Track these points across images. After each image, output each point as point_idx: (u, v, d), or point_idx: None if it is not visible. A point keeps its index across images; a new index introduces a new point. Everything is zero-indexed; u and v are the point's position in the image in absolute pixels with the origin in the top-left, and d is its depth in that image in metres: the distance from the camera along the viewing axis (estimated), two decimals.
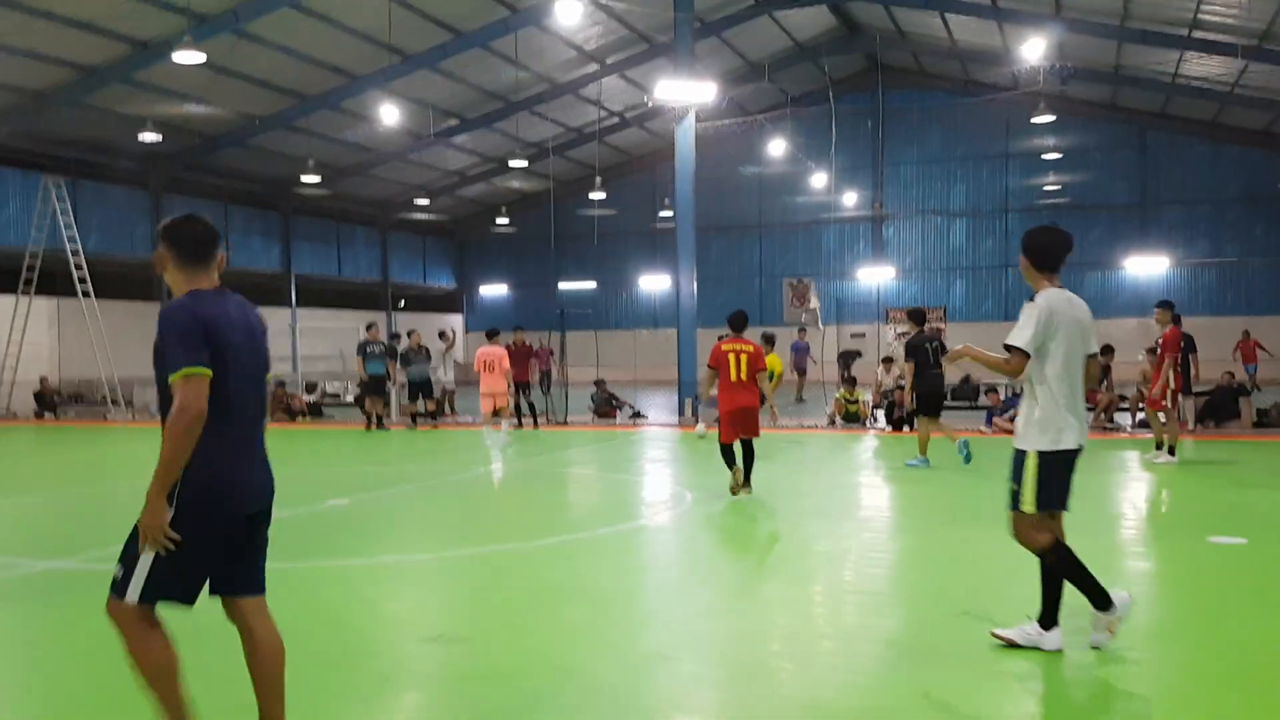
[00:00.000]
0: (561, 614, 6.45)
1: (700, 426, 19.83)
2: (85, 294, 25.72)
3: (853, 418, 20.31)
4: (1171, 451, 13.37)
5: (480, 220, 46.41)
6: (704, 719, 4.74)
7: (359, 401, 22.61)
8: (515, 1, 27.25)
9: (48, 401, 25.86)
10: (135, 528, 3.78)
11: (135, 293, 31.40)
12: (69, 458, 17.59)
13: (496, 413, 17.79)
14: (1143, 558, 8.24)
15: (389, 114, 28.91)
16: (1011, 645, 5.37)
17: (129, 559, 3.80)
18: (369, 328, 21.99)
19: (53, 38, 23.55)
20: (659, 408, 24.11)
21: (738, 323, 11.17)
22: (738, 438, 10.91)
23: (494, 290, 48.00)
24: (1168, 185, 37.42)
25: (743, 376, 10.83)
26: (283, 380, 25.55)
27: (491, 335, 18.58)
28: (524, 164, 34.86)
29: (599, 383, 23.16)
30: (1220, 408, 17.81)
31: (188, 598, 3.86)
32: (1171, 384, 13.48)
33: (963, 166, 39.84)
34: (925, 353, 13.68)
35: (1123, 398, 19.83)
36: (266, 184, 35.88)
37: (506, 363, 17.85)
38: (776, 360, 18.47)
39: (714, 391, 11.04)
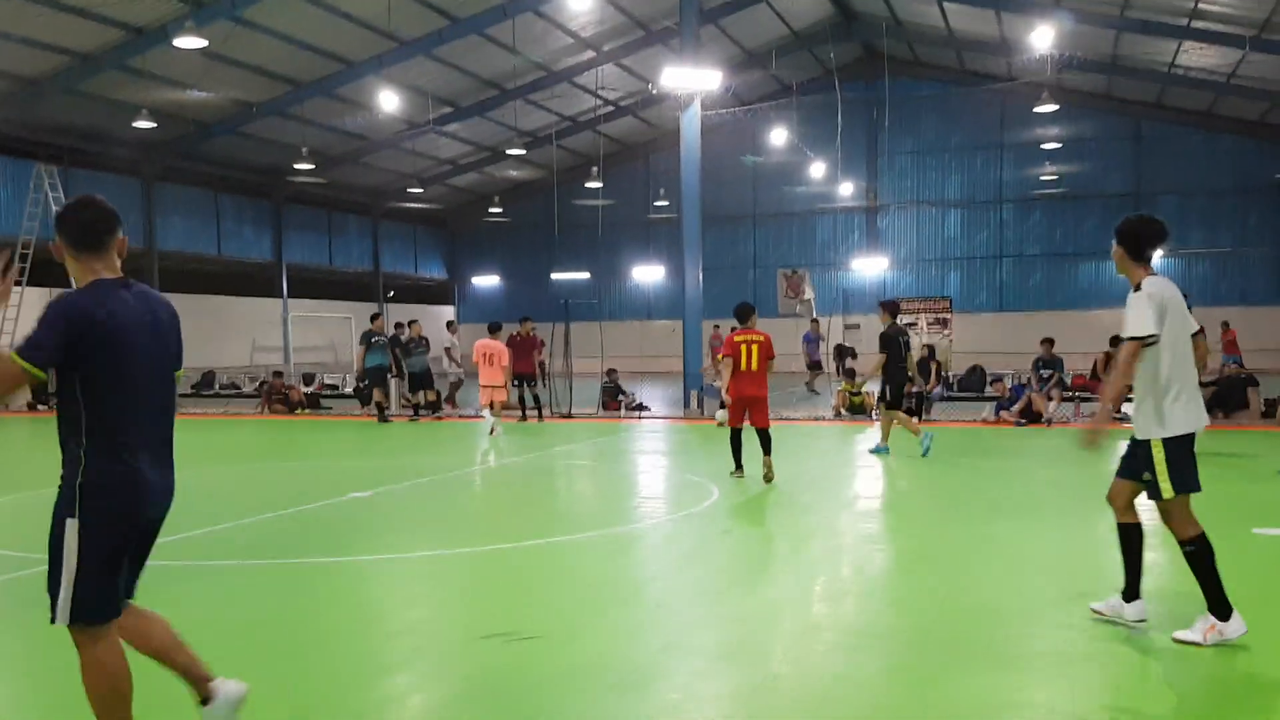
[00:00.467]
0: (619, 611, 6.32)
1: (721, 414, 19.79)
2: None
3: (857, 409, 20.23)
4: None
5: (472, 210, 46.11)
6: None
7: (360, 394, 22.39)
8: None
9: (41, 393, 25.49)
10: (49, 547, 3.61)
11: None
12: (49, 449, 17.32)
13: (493, 405, 17.81)
14: None
15: (383, 101, 28.67)
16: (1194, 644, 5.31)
17: (51, 582, 3.60)
18: (374, 318, 21.77)
19: (47, 24, 23.21)
20: (657, 399, 23.93)
21: (744, 313, 11.71)
22: (742, 422, 11.61)
23: (486, 281, 47.75)
24: (1162, 175, 37.47)
25: (754, 366, 11.45)
26: (279, 370, 25.29)
27: (494, 329, 18.55)
28: (522, 151, 34.64)
29: (610, 372, 22.96)
30: (1229, 398, 17.79)
31: (113, 607, 3.68)
32: None
33: (957, 157, 39.80)
34: (897, 345, 14.01)
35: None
36: (259, 172, 35.53)
37: (505, 358, 17.87)
38: None
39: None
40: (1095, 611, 5.78)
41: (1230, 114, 35.31)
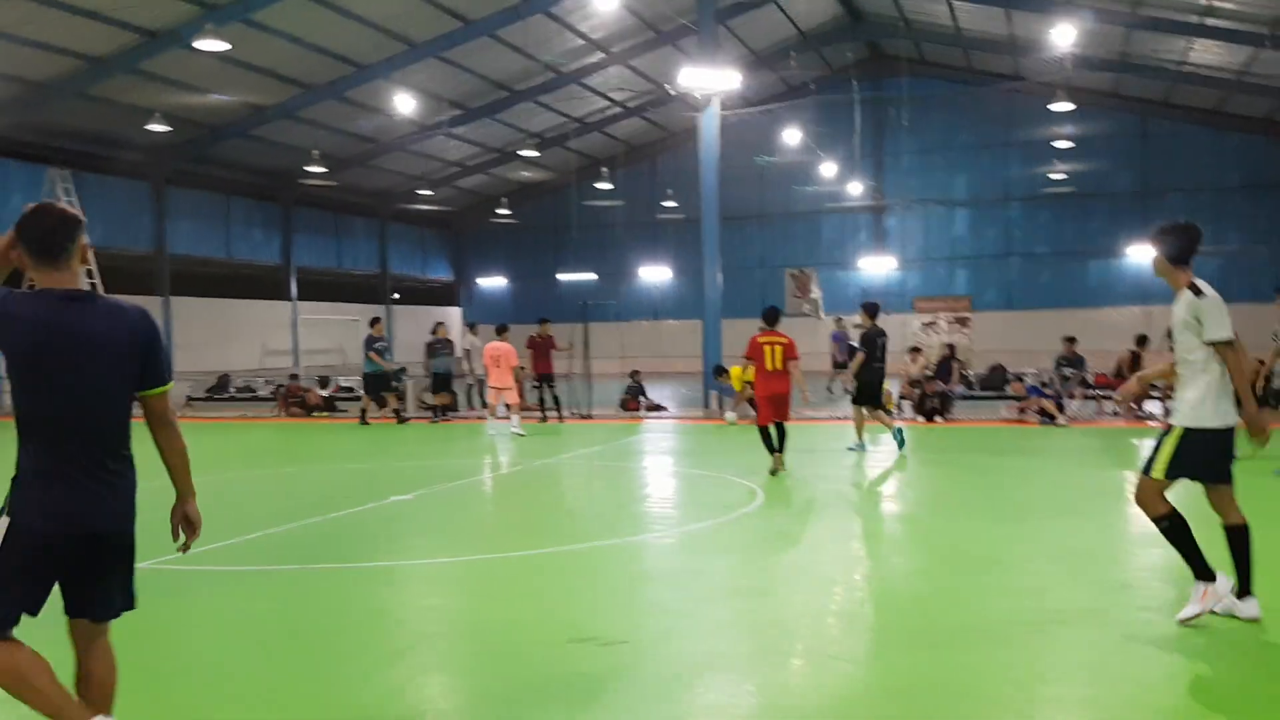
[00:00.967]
0: (705, 611, 6.27)
1: (730, 415, 19.84)
2: (94, 288, 25.23)
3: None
4: None
5: (479, 211, 46.04)
6: None
7: (376, 396, 22.39)
8: None
9: None
10: None
11: (136, 287, 30.94)
12: None
13: (509, 406, 17.99)
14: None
15: (393, 103, 28.58)
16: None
17: None
18: (374, 322, 21.76)
19: (59, 27, 23.10)
20: (667, 399, 23.76)
21: (771, 317, 12.41)
22: (773, 420, 12.09)
23: (492, 282, 47.70)
24: (1170, 173, 37.46)
25: (778, 365, 12.09)
26: (295, 374, 25.23)
27: (501, 331, 18.77)
28: (535, 153, 34.51)
29: (634, 373, 22.97)
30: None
31: (6, 617, 3.55)
32: None
33: (964, 155, 39.77)
34: (875, 345, 14.30)
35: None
36: (268, 176, 35.43)
37: (514, 359, 18.00)
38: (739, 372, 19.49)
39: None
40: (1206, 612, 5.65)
41: (1238, 111, 35.31)
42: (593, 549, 8.34)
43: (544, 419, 20.22)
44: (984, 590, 6.73)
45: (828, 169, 38.01)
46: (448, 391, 21.70)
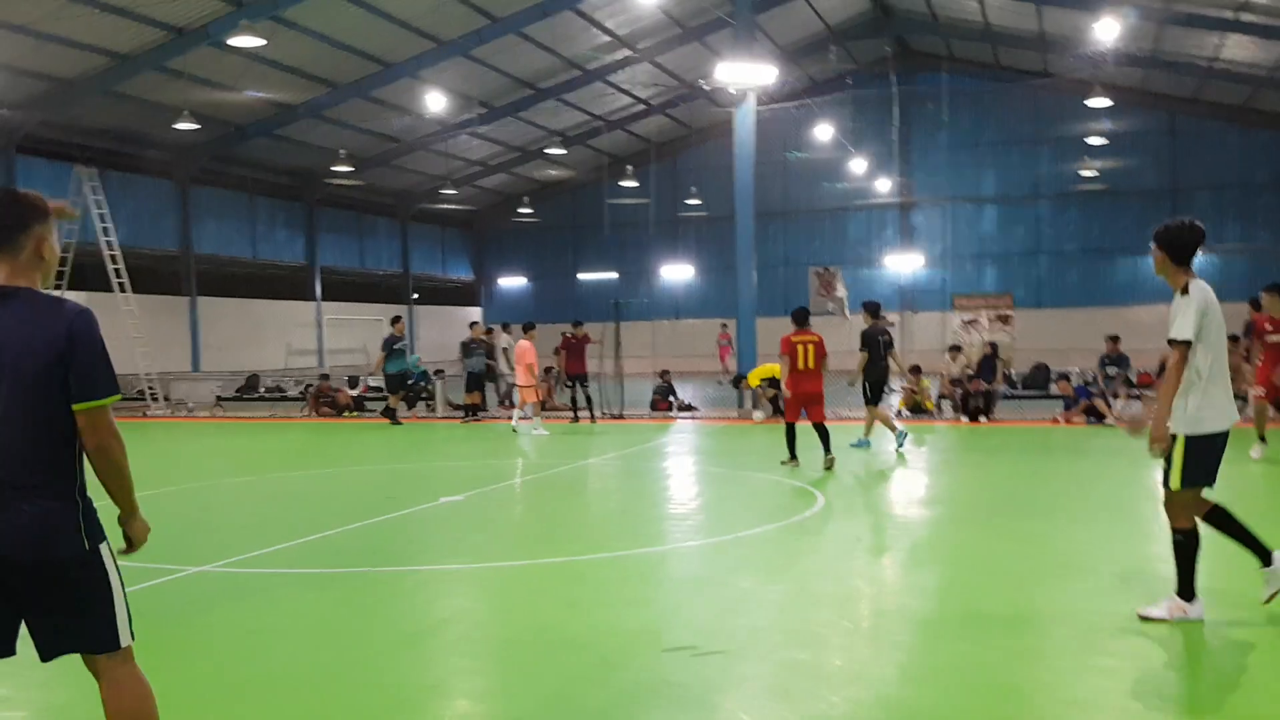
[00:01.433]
0: (801, 618, 6.05)
1: (758, 414, 19.70)
2: (121, 287, 25.18)
3: (917, 408, 19.94)
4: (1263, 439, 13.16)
5: (499, 211, 45.89)
6: None
7: (406, 397, 22.29)
8: None
9: None
10: None
11: (162, 286, 30.87)
12: (131, 454, 17.08)
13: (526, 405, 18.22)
14: None
15: (419, 102, 28.42)
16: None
17: None
18: (395, 321, 21.65)
19: (87, 24, 22.99)
20: (696, 399, 23.46)
21: (801, 317, 12.75)
22: (799, 418, 12.53)
23: (512, 282, 47.54)
24: (1198, 170, 37.11)
25: (810, 364, 12.41)
26: (326, 374, 25.08)
27: (527, 329, 18.77)
28: (562, 151, 34.29)
29: (663, 373, 22.78)
30: None
31: None
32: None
33: (992, 152, 39.46)
34: (878, 344, 14.33)
35: None
36: (293, 175, 35.34)
37: (529, 356, 18.00)
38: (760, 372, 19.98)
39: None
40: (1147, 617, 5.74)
41: (1267, 108, 34.92)
42: (658, 553, 8.13)
43: (575, 419, 20.02)
44: (1087, 594, 6.49)
45: (855, 165, 37.75)
46: (479, 391, 21.56)
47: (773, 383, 19.68)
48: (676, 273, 43.49)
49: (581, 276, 44.70)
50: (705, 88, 27.44)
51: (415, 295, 43.81)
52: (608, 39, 31.23)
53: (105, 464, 3.26)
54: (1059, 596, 6.41)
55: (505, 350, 22.78)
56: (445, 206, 42.56)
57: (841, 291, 38.05)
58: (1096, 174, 38.05)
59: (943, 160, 39.98)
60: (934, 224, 40.49)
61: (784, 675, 5.08)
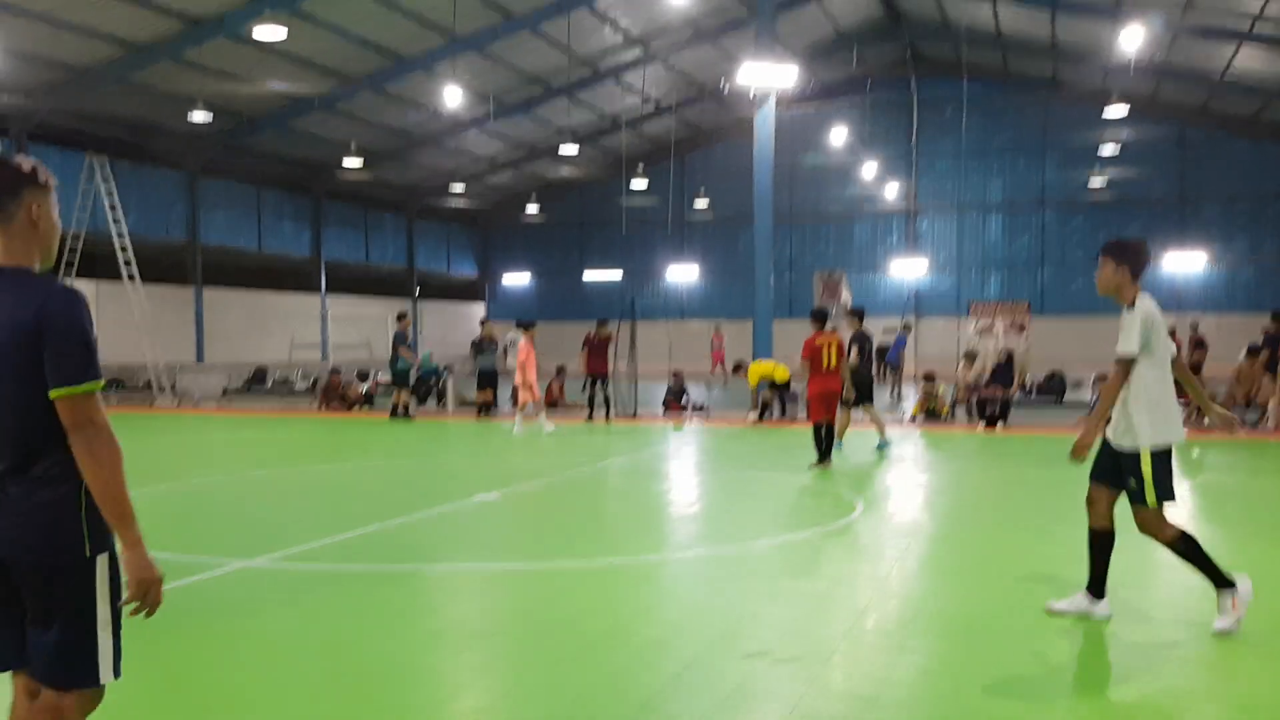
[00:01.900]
0: (860, 628, 5.97)
1: (750, 415, 19.71)
2: (130, 277, 25.03)
3: (933, 414, 19.88)
4: None
5: (506, 208, 45.82)
6: None
7: (415, 391, 22.20)
8: None
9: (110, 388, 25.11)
10: None
11: (170, 276, 30.74)
12: (146, 446, 16.98)
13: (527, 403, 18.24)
14: None
15: (430, 97, 28.30)
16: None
17: None
18: (400, 318, 21.51)
19: (103, 12, 22.89)
20: (705, 400, 23.38)
21: (822, 318, 12.97)
22: (825, 418, 12.64)
23: (516, 279, 47.44)
24: (1206, 181, 37.20)
25: (833, 364, 12.65)
26: (338, 368, 24.96)
27: (523, 327, 18.68)
28: (574, 150, 34.14)
29: (676, 374, 22.70)
30: None
31: None
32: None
33: (999, 160, 39.50)
34: (868, 346, 14.97)
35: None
36: (301, 168, 35.21)
37: (521, 354, 18.05)
38: (758, 368, 19.84)
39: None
40: (1055, 610, 6.02)
41: (1277, 120, 35.00)
42: (712, 556, 8.04)
43: (590, 418, 19.94)
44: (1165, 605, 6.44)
45: (862, 170, 37.74)
46: (491, 389, 21.48)
47: (771, 384, 19.62)
48: (681, 274, 43.44)
49: (588, 276, 44.64)
50: (723, 89, 27.35)
51: (417, 290, 43.72)
52: (620, 38, 31.17)
53: (88, 463, 2.83)
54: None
55: (506, 349, 22.79)
56: (452, 204, 42.49)
57: (846, 296, 38.02)
58: (1102, 184, 38.10)
59: (949, 167, 40.01)
60: (940, 230, 40.50)
61: (865, 682, 5.01)
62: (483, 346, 20.99)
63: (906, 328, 28.32)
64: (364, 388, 23.66)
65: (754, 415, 19.86)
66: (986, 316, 26.42)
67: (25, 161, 2.99)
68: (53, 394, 2.81)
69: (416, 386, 22.90)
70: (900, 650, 5.53)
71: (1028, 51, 34.74)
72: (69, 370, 2.82)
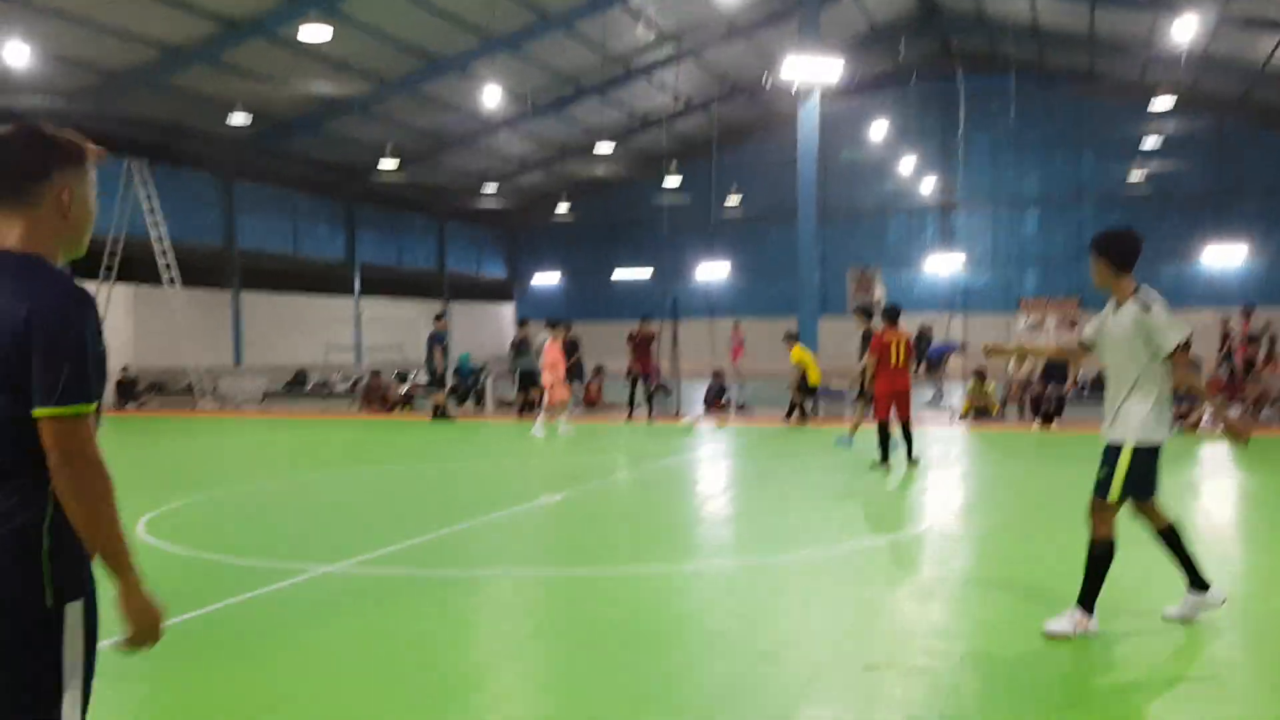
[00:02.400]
0: (983, 636, 5.77)
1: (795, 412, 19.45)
2: (171, 280, 25.02)
3: (983, 412, 19.60)
4: None
5: (535, 208, 45.73)
6: None
7: (455, 391, 22.09)
8: None
9: (130, 391, 25.16)
10: None
11: (207, 280, 30.77)
12: (201, 449, 16.92)
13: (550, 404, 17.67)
14: None
15: (463, 98, 28.21)
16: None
17: None
18: (438, 318, 21.38)
19: (140, 14, 22.88)
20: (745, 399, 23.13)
21: (895, 315, 12.83)
22: (888, 415, 12.48)
23: (546, 279, 47.35)
24: (1246, 174, 36.71)
25: (900, 362, 12.50)
26: (378, 370, 24.90)
27: (551, 325, 18.29)
28: (609, 149, 34.01)
29: (717, 374, 22.52)
30: None
31: None
32: None
33: (1035, 154, 39.10)
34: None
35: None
36: (335, 171, 35.22)
37: (553, 355, 17.62)
38: (801, 353, 19.17)
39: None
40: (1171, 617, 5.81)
41: None
42: (795, 562, 7.83)
43: (630, 416, 19.74)
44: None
45: (895, 166, 37.44)
46: (536, 387, 21.31)
47: (800, 385, 19.01)
48: (712, 271, 43.22)
49: (616, 275, 44.50)
50: (765, 84, 27.09)
51: (445, 291, 43.70)
52: (653, 36, 31.00)
53: (69, 495, 2.35)
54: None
55: (538, 350, 22.64)
56: (483, 205, 42.43)
57: (879, 292, 37.73)
58: (1141, 178, 37.65)
59: (985, 161, 39.64)
60: (976, 225, 40.13)
61: (989, 690, 4.81)
62: (522, 347, 20.85)
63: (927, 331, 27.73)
64: (404, 389, 23.56)
65: (796, 415, 19.44)
66: (1037, 312, 26.04)
67: (62, 134, 2.55)
68: (36, 413, 2.33)
69: (455, 387, 22.83)
70: (1020, 664, 5.32)
71: (1065, 44, 34.35)
72: (51, 387, 2.32)
